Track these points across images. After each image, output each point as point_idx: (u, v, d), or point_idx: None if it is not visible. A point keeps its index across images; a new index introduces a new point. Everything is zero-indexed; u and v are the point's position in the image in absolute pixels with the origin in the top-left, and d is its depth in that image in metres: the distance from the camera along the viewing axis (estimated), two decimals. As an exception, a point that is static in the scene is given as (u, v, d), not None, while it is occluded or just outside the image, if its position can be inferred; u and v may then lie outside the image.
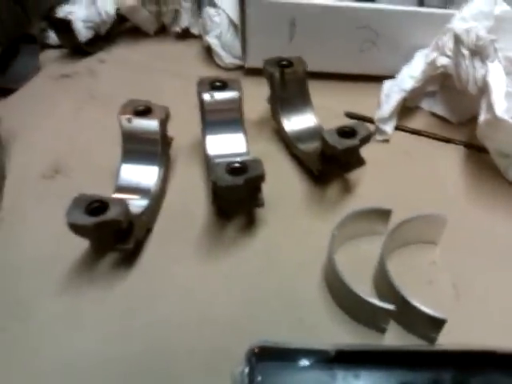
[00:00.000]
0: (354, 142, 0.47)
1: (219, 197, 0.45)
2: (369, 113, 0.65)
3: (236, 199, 0.46)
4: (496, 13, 0.55)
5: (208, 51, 0.78)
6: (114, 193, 0.48)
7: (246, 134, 0.54)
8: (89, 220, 0.38)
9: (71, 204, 0.39)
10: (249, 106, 0.56)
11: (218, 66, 0.76)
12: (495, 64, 0.53)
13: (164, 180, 0.52)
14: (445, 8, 0.72)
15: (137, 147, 0.50)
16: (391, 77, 0.67)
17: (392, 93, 0.61)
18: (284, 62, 0.58)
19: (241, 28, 0.68)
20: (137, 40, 0.84)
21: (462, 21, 0.55)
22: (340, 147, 0.46)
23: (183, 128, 0.56)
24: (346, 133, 0.48)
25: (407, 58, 0.66)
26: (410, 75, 0.61)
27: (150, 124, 0.49)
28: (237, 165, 0.44)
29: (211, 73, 0.74)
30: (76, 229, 0.38)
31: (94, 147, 0.59)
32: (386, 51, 0.68)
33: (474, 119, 0.62)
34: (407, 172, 0.57)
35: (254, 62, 0.70)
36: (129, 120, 0.49)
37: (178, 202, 0.52)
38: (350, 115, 0.65)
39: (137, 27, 0.84)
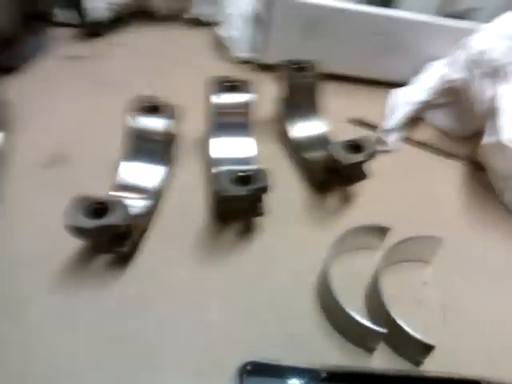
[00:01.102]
0: (359, 157, 0.47)
1: (220, 205, 0.45)
2: (375, 118, 0.65)
3: (237, 208, 0.46)
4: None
5: (219, 42, 0.77)
6: (112, 190, 0.47)
7: (251, 138, 0.54)
8: (88, 223, 0.37)
9: (70, 204, 0.39)
10: (257, 103, 0.54)
11: (228, 58, 0.75)
12: (507, 87, 0.53)
13: (164, 180, 0.51)
14: (463, 17, 0.71)
15: (139, 145, 0.49)
16: (401, 84, 0.67)
17: (400, 105, 0.60)
18: (296, 66, 0.57)
19: (259, 23, 0.68)
20: (147, 24, 0.82)
21: (481, 39, 0.54)
22: (344, 162, 0.46)
23: (187, 122, 0.55)
24: (352, 147, 0.47)
25: (419, 67, 0.66)
26: (419, 88, 0.61)
27: (156, 122, 0.49)
28: (241, 174, 0.43)
29: (221, 65, 0.73)
30: (74, 231, 0.38)
31: (97, 136, 0.58)
32: (398, 59, 0.67)
33: (477, 135, 0.62)
34: (406, 186, 0.57)
35: (272, 58, 0.69)
36: (135, 116, 0.49)
37: (176, 201, 0.51)
38: (355, 121, 0.65)
39: (147, 11, 0.82)
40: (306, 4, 0.64)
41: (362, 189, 0.55)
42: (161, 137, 0.49)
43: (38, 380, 0.37)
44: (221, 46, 0.77)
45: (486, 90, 0.54)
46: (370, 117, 0.65)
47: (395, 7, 0.71)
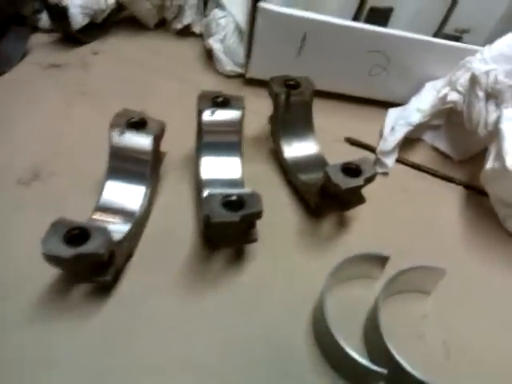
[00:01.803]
0: (359, 182, 0.44)
1: (210, 230, 0.42)
2: (370, 138, 0.63)
3: (229, 233, 0.43)
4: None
5: (208, 54, 0.74)
6: (95, 212, 0.44)
7: (242, 158, 0.51)
8: (67, 251, 0.34)
9: (48, 230, 0.35)
10: (247, 120, 0.52)
11: (218, 71, 0.72)
12: (510, 110, 0.51)
13: (150, 201, 0.48)
14: (460, 37, 0.70)
15: (125, 165, 0.46)
16: (397, 104, 0.65)
17: (398, 126, 0.58)
18: (291, 82, 0.54)
19: (247, 36, 0.64)
20: (134, 32, 0.79)
21: (482, 62, 0.53)
22: (343, 186, 0.43)
23: (175, 138, 0.52)
24: (350, 170, 0.45)
25: (416, 87, 0.64)
26: (418, 108, 0.59)
27: (143, 140, 0.45)
28: (233, 198, 0.40)
29: (210, 78, 0.71)
30: (51, 259, 0.35)
31: (79, 150, 0.55)
32: (395, 78, 0.65)
33: (476, 158, 0.60)
34: (404, 210, 0.55)
35: (256, 72, 0.67)
36: (121, 132, 0.45)
37: (163, 224, 0.48)
38: (351, 141, 0.63)
39: (135, 18, 0.79)
40: (297, 17, 0.61)
41: (357, 213, 0.52)
42: (148, 155, 0.46)
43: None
44: (210, 58, 0.74)
45: (489, 113, 0.52)
46: (366, 137, 0.63)
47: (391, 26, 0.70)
